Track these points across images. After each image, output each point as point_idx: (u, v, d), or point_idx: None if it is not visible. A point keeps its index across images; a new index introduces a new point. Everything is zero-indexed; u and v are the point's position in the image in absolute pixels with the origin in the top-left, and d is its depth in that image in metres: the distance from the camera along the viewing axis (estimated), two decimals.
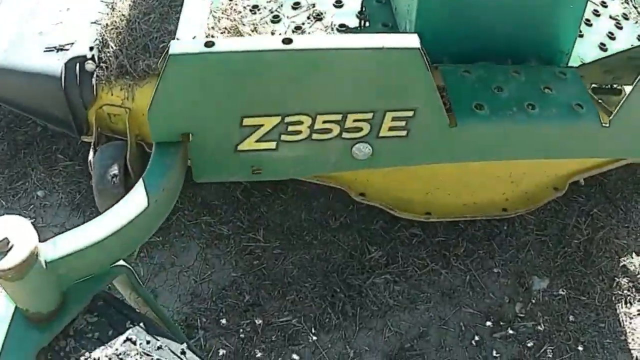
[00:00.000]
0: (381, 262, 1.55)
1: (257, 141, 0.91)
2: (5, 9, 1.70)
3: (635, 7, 1.49)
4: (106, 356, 0.86)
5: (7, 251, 0.79)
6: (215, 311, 1.44)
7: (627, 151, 1.14)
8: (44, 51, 1.55)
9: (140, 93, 1.44)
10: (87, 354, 0.87)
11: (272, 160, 0.94)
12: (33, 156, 1.77)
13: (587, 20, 1.39)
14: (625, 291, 1.64)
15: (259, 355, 1.37)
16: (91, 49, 1.47)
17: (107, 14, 1.55)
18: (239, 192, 1.70)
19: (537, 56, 1.10)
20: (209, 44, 0.80)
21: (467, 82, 1.05)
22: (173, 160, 0.90)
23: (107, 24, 1.51)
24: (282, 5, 1.27)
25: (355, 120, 0.90)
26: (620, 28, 1.41)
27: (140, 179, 0.86)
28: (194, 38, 1.02)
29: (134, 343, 0.87)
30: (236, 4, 1.32)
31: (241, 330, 1.41)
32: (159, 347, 0.87)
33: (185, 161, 0.93)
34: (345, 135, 0.92)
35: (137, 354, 0.85)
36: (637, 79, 1.00)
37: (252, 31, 1.06)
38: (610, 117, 1.03)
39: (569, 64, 1.19)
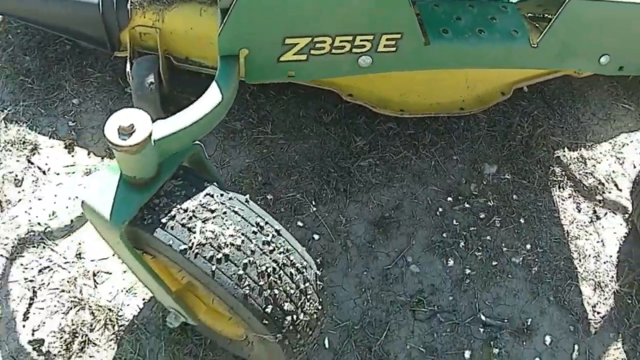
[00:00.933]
0: (365, 149, 2.12)
1: (294, 54, 1.41)
2: None
3: None
4: (193, 206, 1.37)
5: (132, 133, 1.27)
6: (236, 189, 1.99)
7: (551, 65, 1.69)
8: None
9: (169, 16, 1.91)
10: (177, 207, 1.26)
11: (303, 68, 1.44)
12: (65, 70, 2.21)
13: None
14: (558, 178, 2.22)
15: None
16: None
17: None
18: (248, 95, 2.20)
19: None
20: None
21: (436, 14, 1.55)
22: (234, 68, 1.39)
23: None
24: None
25: (361, 40, 1.41)
26: None
27: (214, 81, 1.36)
28: None
29: (212, 196, 1.38)
30: None
31: (257, 203, 1.98)
32: (230, 198, 1.38)
33: (239, 69, 1.43)
34: (354, 50, 1.42)
35: (215, 203, 1.36)
36: (558, 12, 1.54)
37: None
38: (538, 40, 1.58)
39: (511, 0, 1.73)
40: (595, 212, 2.12)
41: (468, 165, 2.13)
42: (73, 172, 1.97)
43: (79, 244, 1.82)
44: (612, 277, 1.99)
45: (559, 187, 2.16)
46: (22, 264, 1.78)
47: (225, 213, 1.27)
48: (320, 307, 1.40)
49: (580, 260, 2.02)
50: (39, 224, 1.86)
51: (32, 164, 1.98)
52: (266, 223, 1.31)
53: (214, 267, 1.22)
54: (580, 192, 2.17)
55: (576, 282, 1.97)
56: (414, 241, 1.95)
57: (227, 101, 1.35)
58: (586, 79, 2.38)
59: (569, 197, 2.15)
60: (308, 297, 1.35)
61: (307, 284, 1.35)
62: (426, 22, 1.47)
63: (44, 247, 1.80)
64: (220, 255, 1.23)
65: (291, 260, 1.32)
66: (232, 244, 1.24)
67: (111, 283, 1.77)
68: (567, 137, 2.29)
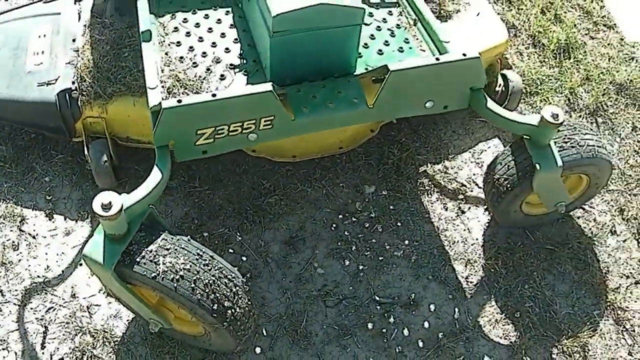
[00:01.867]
0: (270, 189, 3.05)
1: (204, 139, 2.32)
2: None
3: (407, 17, 3.01)
4: (154, 248, 2.15)
5: (110, 207, 2.16)
6: (180, 232, 2.88)
7: (388, 117, 2.68)
8: (38, 85, 2.86)
9: (110, 108, 2.81)
10: (145, 250, 2.14)
11: (211, 147, 2.35)
12: (34, 155, 3.11)
13: (372, 35, 2.90)
14: (426, 187, 3.18)
15: None
16: (73, 82, 2.81)
17: (78, 58, 2.85)
18: None
19: (337, 72, 2.59)
20: (179, 101, 2.21)
21: (299, 95, 2.51)
22: (167, 153, 2.31)
23: (79, 66, 2.84)
24: (213, 60, 2.64)
25: (248, 124, 2.34)
26: (394, 36, 2.93)
27: (155, 165, 2.28)
28: (155, 87, 2.40)
29: (166, 240, 2.23)
30: (180, 61, 2.68)
31: (197, 240, 2.87)
32: (178, 239, 2.26)
33: (170, 153, 2.37)
34: (244, 131, 2.34)
35: (169, 244, 2.18)
36: (383, 82, 2.51)
37: (189, 80, 2.46)
38: (372, 102, 2.55)
39: (358, 71, 2.70)
40: (460, 208, 3.12)
41: (352, 189, 3.10)
42: (56, 234, 2.87)
43: (72, 287, 2.72)
44: (480, 255, 2.98)
45: (427, 194, 3.15)
46: (31, 308, 2.66)
47: (176, 249, 2.19)
48: (249, 302, 2.33)
49: (450, 246, 2.99)
50: (38, 276, 2.75)
51: (23, 231, 2.87)
52: (204, 252, 2.24)
53: (175, 285, 2.14)
54: (445, 194, 3.17)
55: (450, 262, 2.94)
56: (317, 251, 2.90)
57: (166, 176, 2.28)
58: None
59: (437, 200, 3.14)
60: (239, 296, 2.29)
61: (237, 288, 2.28)
62: (291, 103, 2.44)
63: (45, 293, 2.69)
64: (177, 277, 2.15)
65: (224, 274, 2.25)
66: (184, 269, 2.17)
67: (102, 312, 2.67)
68: (432, 154, 3.29)
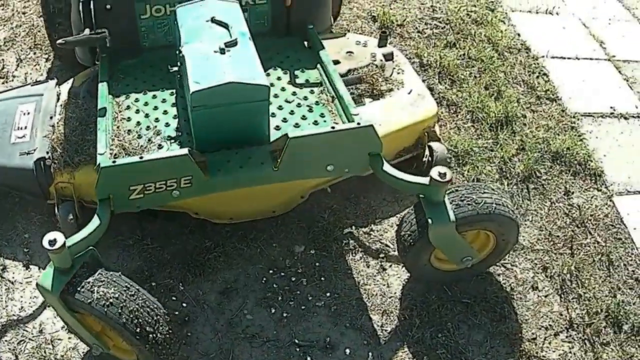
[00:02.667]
0: (211, 247, 3.71)
1: (136, 194, 3.05)
2: None
3: (326, 95, 3.78)
4: (92, 280, 2.83)
5: (55, 243, 2.93)
6: (133, 280, 3.62)
7: (293, 178, 3.25)
8: (19, 155, 3.74)
9: (77, 175, 3.59)
10: (84, 281, 2.81)
11: (142, 201, 3.05)
12: (17, 215, 3.92)
13: (292, 111, 3.55)
14: (351, 247, 3.71)
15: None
16: (47, 152, 3.68)
17: (53, 133, 3.74)
18: (135, 220, 3.96)
19: (252, 141, 3.34)
20: (114, 162, 3.04)
21: (215, 160, 3.18)
22: (107, 205, 3.07)
23: (53, 138, 3.71)
24: (154, 132, 3.49)
25: (170, 182, 3.07)
26: (311, 111, 3.67)
27: (95, 215, 3.07)
28: (103, 153, 3.24)
29: (101, 274, 2.91)
30: (128, 133, 3.53)
31: (144, 288, 3.50)
32: (111, 274, 2.95)
33: (110, 205, 3.16)
34: (168, 188, 3.03)
35: (103, 277, 2.87)
36: (284, 148, 3.25)
37: (133, 149, 3.30)
38: (277, 166, 3.29)
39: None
40: (381, 265, 3.71)
41: (283, 248, 3.75)
42: (31, 281, 3.62)
43: (40, 324, 3.44)
44: (396, 306, 3.54)
45: (352, 253, 3.73)
46: (6, 340, 3.39)
47: (109, 282, 2.91)
48: (170, 330, 3.00)
49: (369, 298, 3.56)
50: (13, 315, 3.49)
51: (3, 278, 3.65)
52: (131, 285, 2.95)
53: (105, 310, 2.81)
54: (369, 254, 3.76)
55: (367, 312, 3.50)
56: (248, 300, 3.54)
57: (105, 224, 2.99)
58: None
59: (360, 259, 3.72)
60: (160, 323, 2.96)
61: (158, 317, 2.97)
62: (209, 166, 3.22)
63: (18, 329, 3.42)
64: (108, 303, 2.84)
65: (147, 304, 2.95)
66: (113, 297, 2.87)
67: (63, 344, 3.35)
68: (361, 218, 3.89)
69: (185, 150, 3.04)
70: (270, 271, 3.69)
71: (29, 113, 3.86)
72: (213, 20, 3.35)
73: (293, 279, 3.66)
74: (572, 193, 4.16)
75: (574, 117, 4.59)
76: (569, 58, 5.01)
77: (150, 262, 3.71)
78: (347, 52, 4.28)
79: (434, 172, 3.08)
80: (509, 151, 4.31)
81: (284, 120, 3.47)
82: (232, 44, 3.21)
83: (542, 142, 4.38)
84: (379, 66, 4.17)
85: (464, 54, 4.93)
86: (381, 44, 4.39)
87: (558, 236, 3.93)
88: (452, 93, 4.67)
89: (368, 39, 4.47)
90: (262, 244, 3.80)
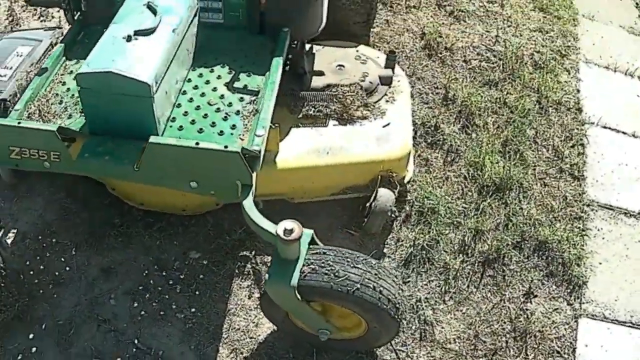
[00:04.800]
0: (116, 224, 3.69)
1: (14, 154, 3.00)
2: None
3: (254, 106, 3.36)
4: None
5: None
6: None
7: (154, 182, 3.03)
8: None
9: None
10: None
11: (19, 162, 3.05)
12: None
13: (205, 114, 3.11)
14: (244, 272, 3.52)
15: None
16: (10, 96, 3.88)
17: (24, 79, 3.90)
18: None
19: (137, 135, 2.95)
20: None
21: (90, 144, 3.01)
22: None
23: (21, 84, 3.91)
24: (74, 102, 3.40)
25: (42, 153, 2.97)
26: (225, 120, 3.08)
27: None
28: (17, 110, 3.33)
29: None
30: (55, 97, 3.50)
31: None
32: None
33: None
34: (41, 157, 2.93)
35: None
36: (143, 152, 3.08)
37: (47, 113, 3.34)
38: (137, 166, 3.00)
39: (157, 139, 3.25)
40: None
41: (181, 249, 3.59)
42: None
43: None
44: (251, 349, 3.28)
45: (241, 279, 3.52)
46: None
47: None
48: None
49: (229, 330, 3.33)
50: None
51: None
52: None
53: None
54: (257, 286, 3.50)
55: (217, 344, 3.29)
56: (120, 286, 3.45)
57: None
58: (312, 205, 3.70)
59: (245, 287, 3.50)
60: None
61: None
62: (83, 147, 3.12)
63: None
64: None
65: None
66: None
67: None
68: (270, 246, 3.57)
69: (53, 127, 3.02)
70: (155, 267, 3.57)
71: (21, 55, 4.04)
72: (148, 5, 3.24)
73: (170, 282, 3.51)
74: (534, 297, 3.49)
75: (588, 205, 3.79)
76: (622, 133, 4.11)
77: (61, 221, 3.77)
78: (338, 66, 3.92)
79: (280, 226, 2.73)
80: (485, 224, 3.69)
81: (192, 122, 3.26)
82: (145, 33, 3.09)
83: (531, 225, 3.68)
84: (362, 88, 3.78)
85: (499, 98, 4.24)
86: (387, 66, 3.96)
87: (484, 342, 3.33)
88: (459, 139, 4.08)
89: (378, 57, 4.05)
90: (163, 238, 3.68)
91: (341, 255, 2.85)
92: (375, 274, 2.84)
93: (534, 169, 3.93)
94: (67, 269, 3.58)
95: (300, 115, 3.75)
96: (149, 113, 3.07)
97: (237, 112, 3.30)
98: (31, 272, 3.53)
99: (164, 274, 3.55)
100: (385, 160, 3.58)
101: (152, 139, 2.94)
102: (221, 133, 3.21)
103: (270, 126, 3.37)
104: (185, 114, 3.28)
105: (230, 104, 3.35)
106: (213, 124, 3.25)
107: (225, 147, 2.93)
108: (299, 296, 2.76)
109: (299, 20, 3.68)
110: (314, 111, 3.77)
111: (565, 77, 4.44)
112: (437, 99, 4.24)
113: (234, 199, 3.06)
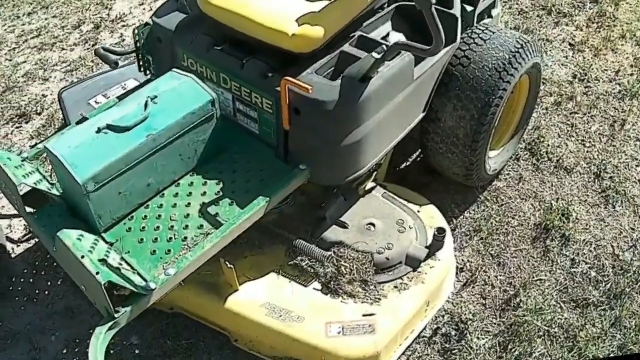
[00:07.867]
0: None
1: None
2: None
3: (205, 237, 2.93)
4: None
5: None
6: None
7: (66, 269, 3.03)
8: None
9: None
10: None
11: None
12: None
13: (158, 227, 2.95)
14: None
15: None
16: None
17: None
18: None
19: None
20: None
21: (54, 206, 3.11)
22: None
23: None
24: None
25: None
26: (170, 241, 2.90)
27: None
28: None
29: None
30: None
31: None
32: None
33: None
34: None
35: None
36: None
37: None
38: (55, 247, 2.85)
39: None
40: None
41: None
42: None
43: None
44: None
45: None
46: None
47: None
48: None
49: None
50: None
51: None
52: None
53: None
54: None
55: None
56: None
57: None
58: None
59: None
60: None
61: None
62: (42, 209, 3.08)
63: None
64: None
65: None
66: None
67: None
68: None
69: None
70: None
71: (120, 89, 4.25)
72: (151, 98, 3.15)
73: None
74: None
75: None
76: None
77: None
78: (369, 224, 3.28)
79: None
80: None
81: (142, 229, 3.05)
82: (117, 129, 3.02)
83: None
84: (372, 262, 3.15)
85: None
86: (431, 245, 3.20)
87: None
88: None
89: (432, 227, 3.28)
90: None
91: None
92: None
93: None
94: None
95: (291, 263, 3.28)
96: (86, 208, 3.01)
97: (184, 239, 3.04)
98: None
99: None
100: (339, 356, 2.95)
101: (59, 232, 2.88)
102: (153, 253, 3.01)
103: (226, 264, 3.05)
104: (145, 218, 3.15)
105: (185, 228, 3.10)
106: (155, 240, 3.06)
107: (97, 273, 2.71)
108: None
109: (317, 162, 3.17)
110: (305, 265, 3.25)
111: None
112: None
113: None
